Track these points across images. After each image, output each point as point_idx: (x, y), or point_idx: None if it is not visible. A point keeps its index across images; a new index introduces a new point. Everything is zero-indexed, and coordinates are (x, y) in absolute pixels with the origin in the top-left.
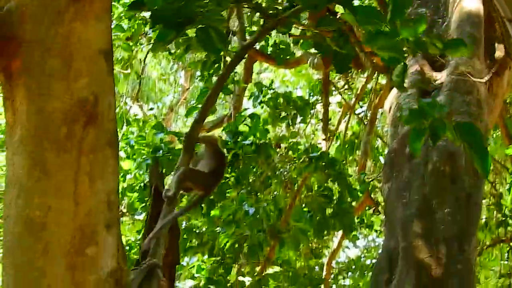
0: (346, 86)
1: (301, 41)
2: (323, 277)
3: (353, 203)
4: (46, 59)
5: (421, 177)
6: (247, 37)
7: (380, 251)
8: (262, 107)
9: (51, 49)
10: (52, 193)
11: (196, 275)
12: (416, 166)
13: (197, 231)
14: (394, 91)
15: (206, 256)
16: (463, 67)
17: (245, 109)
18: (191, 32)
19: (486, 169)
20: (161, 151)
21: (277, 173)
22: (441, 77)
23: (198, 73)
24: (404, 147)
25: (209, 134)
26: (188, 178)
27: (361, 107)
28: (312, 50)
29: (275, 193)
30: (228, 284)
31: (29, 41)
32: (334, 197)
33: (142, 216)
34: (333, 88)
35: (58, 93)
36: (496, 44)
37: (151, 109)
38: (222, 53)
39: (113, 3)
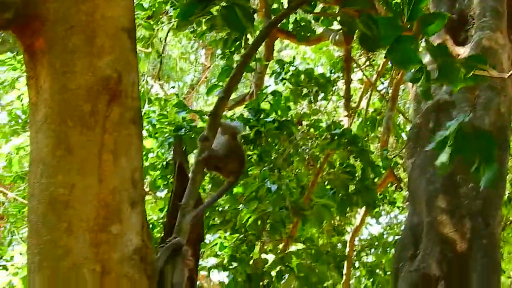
0: (367, 63)
1: (322, 18)
2: (346, 254)
3: (376, 180)
4: (69, 37)
5: None
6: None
7: (403, 227)
8: (284, 84)
9: (74, 26)
10: (76, 171)
11: (219, 252)
12: None
13: (220, 209)
14: None
15: (228, 234)
16: (486, 41)
17: (267, 87)
18: (214, 10)
19: (490, 181)
20: (183, 130)
21: (299, 150)
22: (464, 51)
23: (219, 51)
24: (427, 122)
25: (233, 125)
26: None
27: (383, 83)
28: (333, 27)
29: (297, 170)
30: (251, 262)
31: (52, 19)
32: (357, 174)
33: (163, 193)
34: (355, 65)
35: (81, 70)
36: None
37: (173, 87)
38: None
39: None
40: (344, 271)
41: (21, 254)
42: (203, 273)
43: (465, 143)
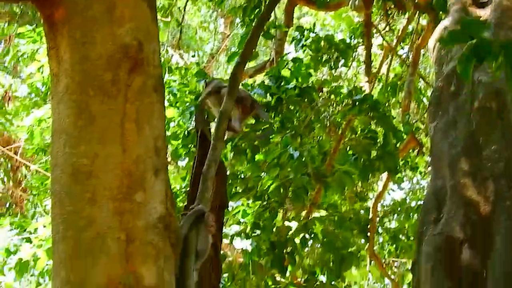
0: (387, 28)
1: None
2: (369, 218)
3: (398, 145)
4: (89, 6)
5: (467, 114)
6: None
7: (426, 192)
8: (304, 51)
9: None
10: (99, 141)
11: (241, 220)
12: (462, 104)
13: (242, 177)
14: (439, 28)
15: (251, 201)
16: (508, 1)
17: (287, 54)
18: None
19: None
20: None
21: (320, 116)
22: (485, 13)
23: (238, 19)
24: (449, 85)
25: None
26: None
27: (403, 48)
28: None
29: (319, 136)
30: (274, 229)
31: None
32: (378, 140)
33: (185, 162)
34: (374, 30)
35: (102, 40)
36: None
37: (193, 56)
38: None
39: None
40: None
41: (44, 226)
42: (225, 241)
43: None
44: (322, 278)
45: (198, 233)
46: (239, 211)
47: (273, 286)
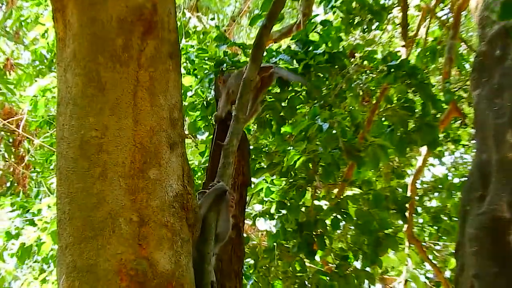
0: None
1: None
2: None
3: (438, 116)
4: None
5: None
6: None
7: (470, 167)
8: (334, 12)
9: None
10: (109, 111)
11: (265, 198)
12: (508, 70)
13: (267, 151)
14: None
15: (276, 178)
16: None
17: (316, 16)
18: None
19: None
20: (224, 65)
21: (352, 85)
22: None
23: None
24: (494, 49)
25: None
26: None
27: (442, 9)
28: None
29: (350, 107)
30: (302, 209)
31: None
32: (417, 110)
33: (205, 136)
34: None
35: (112, 0)
36: None
37: (212, 19)
38: None
39: None
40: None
41: (49, 207)
42: (248, 222)
43: None
44: (356, 264)
45: (218, 214)
46: (262, 188)
47: (299, 273)
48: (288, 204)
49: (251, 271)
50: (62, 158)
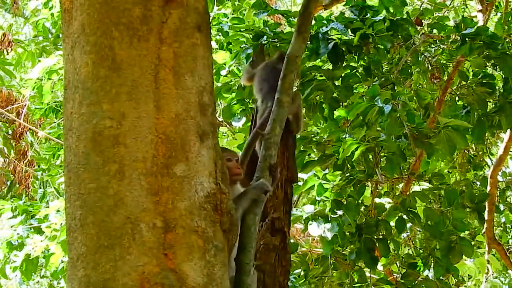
0: None
1: None
2: (486, 193)
3: None
4: None
5: None
6: None
7: None
8: None
9: None
10: (126, 96)
11: (318, 198)
12: None
13: (317, 140)
14: None
15: (329, 172)
16: None
17: None
18: None
19: None
20: (265, 37)
21: (419, 58)
22: None
23: None
24: None
25: None
26: None
27: None
28: None
29: (418, 85)
30: (362, 209)
31: None
32: (497, 86)
33: (242, 123)
34: None
35: None
36: None
37: None
38: None
39: None
40: (485, 216)
41: (58, 211)
42: (297, 226)
43: None
44: (427, 273)
45: (258, 216)
46: (314, 186)
47: (358, 284)
48: (345, 203)
49: (300, 282)
50: (71, 153)
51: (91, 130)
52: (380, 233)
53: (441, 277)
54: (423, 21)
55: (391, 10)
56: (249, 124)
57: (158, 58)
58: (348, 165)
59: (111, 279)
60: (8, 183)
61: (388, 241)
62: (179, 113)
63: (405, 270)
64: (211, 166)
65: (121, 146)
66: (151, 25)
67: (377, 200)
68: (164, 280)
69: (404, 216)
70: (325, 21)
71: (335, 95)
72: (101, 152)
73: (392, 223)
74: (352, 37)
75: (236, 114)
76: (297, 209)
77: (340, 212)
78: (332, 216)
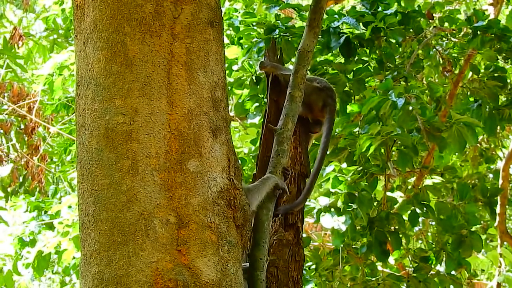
0: None
1: None
2: (499, 187)
3: None
4: None
5: None
6: None
7: None
8: None
9: None
10: (138, 92)
11: (331, 190)
12: None
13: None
14: None
15: (343, 166)
16: None
17: None
18: None
19: None
20: (277, 31)
21: (431, 51)
22: None
23: None
24: None
25: None
26: None
27: None
28: None
29: (429, 78)
30: (375, 203)
31: None
32: (509, 80)
33: (257, 120)
34: None
35: None
36: None
37: None
38: None
39: None
40: (498, 210)
41: (70, 207)
42: (310, 220)
43: None
44: (438, 267)
45: (271, 211)
46: (328, 179)
47: (369, 277)
48: (358, 196)
49: (311, 274)
50: (84, 149)
51: (104, 126)
52: (392, 227)
53: (453, 272)
54: (434, 14)
55: (403, 4)
56: (262, 119)
57: (171, 54)
58: (362, 159)
59: (124, 275)
60: (21, 178)
61: (400, 235)
62: (192, 108)
63: (417, 264)
64: (224, 162)
65: (134, 142)
66: (163, 21)
67: (389, 193)
68: (178, 276)
69: (416, 210)
70: (336, 15)
71: (347, 88)
72: (114, 148)
73: (405, 217)
74: (364, 31)
75: (248, 110)
76: (309, 200)
77: (353, 205)
78: (347, 209)
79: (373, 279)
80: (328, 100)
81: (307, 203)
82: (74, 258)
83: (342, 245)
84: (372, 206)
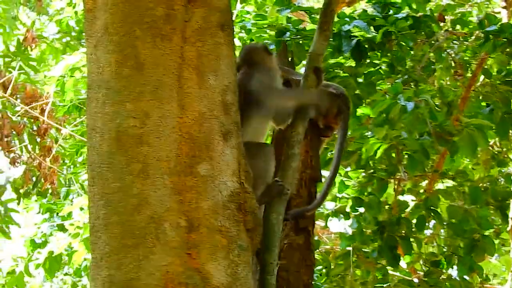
0: None
1: None
2: (511, 191)
3: None
4: None
5: None
6: None
7: None
8: None
9: None
10: (149, 95)
11: (338, 195)
12: None
13: None
14: None
15: (351, 169)
16: None
17: None
18: None
19: None
20: (288, 34)
21: (442, 55)
22: None
23: None
24: None
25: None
26: None
27: None
28: None
29: (441, 81)
30: (386, 207)
31: None
32: None
33: None
34: None
35: None
36: None
37: None
38: None
39: None
40: (510, 213)
41: (82, 209)
42: (320, 223)
43: None
44: (450, 271)
45: (281, 216)
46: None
47: (381, 282)
48: (367, 200)
49: (322, 281)
50: (94, 153)
51: (115, 130)
52: (403, 231)
53: (465, 276)
54: (446, 17)
55: (414, 7)
56: None
57: (182, 58)
58: (370, 162)
59: (134, 279)
60: (34, 179)
61: (411, 239)
62: (202, 112)
63: (428, 268)
64: (235, 165)
65: (144, 145)
66: (174, 24)
67: (399, 197)
68: (188, 280)
69: (427, 214)
70: (347, 19)
71: (357, 92)
72: (124, 152)
73: (415, 221)
74: (375, 34)
75: None
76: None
77: (361, 210)
78: (354, 213)
79: (385, 285)
80: (343, 107)
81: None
82: (85, 259)
83: (352, 249)
84: (381, 210)
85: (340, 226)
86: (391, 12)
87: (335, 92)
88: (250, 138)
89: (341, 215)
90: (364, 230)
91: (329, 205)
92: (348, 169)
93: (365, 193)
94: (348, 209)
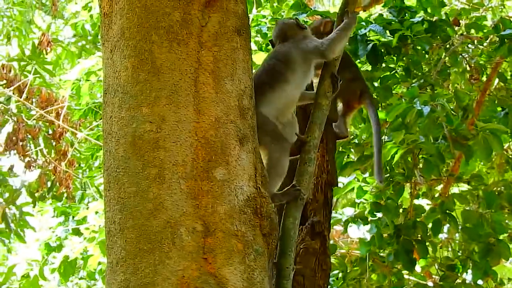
0: None
1: None
2: None
3: None
4: None
5: None
6: None
7: None
8: None
9: None
10: (166, 100)
11: (357, 200)
12: None
13: (356, 142)
14: None
15: (368, 174)
16: None
17: None
18: None
19: None
20: None
21: (458, 59)
22: None
23: None
24: None
25: None
26: None
27: None
28: None
29: (456, 86)
30: (401, 210)
31: None
32: None
33: None
34: None
35: None
36: None
37: None
38: None
39: None
40: None
41: (97, 213)
42: (338, 228)
43: None
44: (465, 275)
45: (297, 220)
46: (353, 188)
47: (396, 286)
48: (384, 204)
49: (338, 284)
50: (110, 157)
51: (131, 134)
52: (418, 235)
53: (480, 280)
54: (461, 21)
55: (429, 11)
56: None
57: (198, 62)
58: (387, 167)
59: (150, 283)
60: (49, 183)
61: (427, 243)
62: (219, 117)
63: (443, 272)
64: (251, 170)
65: (160, 150)
66: (190, 29)
67: (415, 201)
68: (204, 285)
69: (442, 218)
70: (363, 23)
71: (374, 96)
72: (140, 156)
73: (430, 225)
74: (391, 39)
75: None
76: (336, 212)
77: (379, 214)
78: (372, 218)
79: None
80: (364, 88)
81: (333, 214)
82: (100, 263)
83: (368, 254)
84: (398, 214)
85: (359, 232)
86: (406, 16)
87: (352, 76)
88: (282, 105)
89: (360, 220)
90: (382, 234)
91: (348, 211)
92: (367, 175)
93: (383, 198)
94: (366, 214)
